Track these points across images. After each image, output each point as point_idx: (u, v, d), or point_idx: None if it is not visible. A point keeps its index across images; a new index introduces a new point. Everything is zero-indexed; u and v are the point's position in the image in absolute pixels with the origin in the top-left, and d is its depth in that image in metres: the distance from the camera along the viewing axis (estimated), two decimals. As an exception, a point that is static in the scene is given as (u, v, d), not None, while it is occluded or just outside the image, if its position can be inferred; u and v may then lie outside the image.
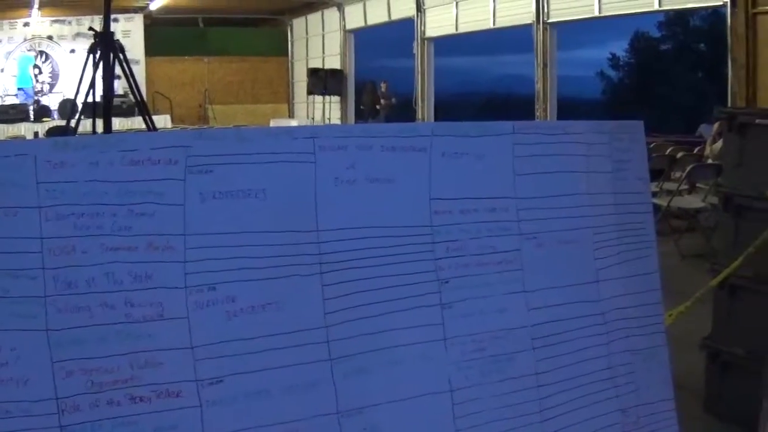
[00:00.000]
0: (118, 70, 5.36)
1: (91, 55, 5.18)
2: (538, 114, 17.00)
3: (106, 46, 4.99)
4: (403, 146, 2.29)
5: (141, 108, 5.35)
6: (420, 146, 2.31)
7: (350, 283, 2.22)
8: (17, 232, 2.04)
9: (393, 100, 21.85)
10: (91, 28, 5.37)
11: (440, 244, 2.33)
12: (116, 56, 5.05)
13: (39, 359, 2.04)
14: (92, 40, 5.39)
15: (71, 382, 2.05)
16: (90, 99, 5.49)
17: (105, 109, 5.07)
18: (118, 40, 5.12)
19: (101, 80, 5.15)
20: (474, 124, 2.42)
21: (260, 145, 2.16)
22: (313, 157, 2.20)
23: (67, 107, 22.20)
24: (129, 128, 18.57)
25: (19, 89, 24.29)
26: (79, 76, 5.48)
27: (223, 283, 2.12)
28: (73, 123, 5.45)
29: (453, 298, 2.34)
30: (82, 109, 5.79)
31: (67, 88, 24.28)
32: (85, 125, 6.08)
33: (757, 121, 4.75)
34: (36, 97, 24.26)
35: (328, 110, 23.84)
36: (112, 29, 5.15)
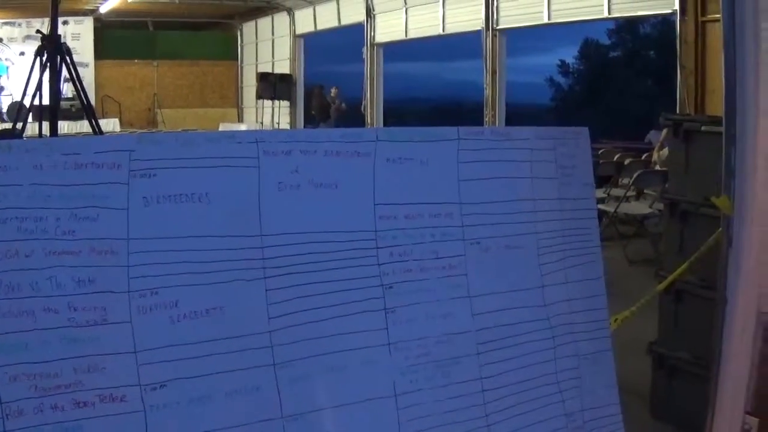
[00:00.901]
0: (66, 73, 5.36)
1: (39, 58, 5.16)
2: (487, 120, 17.07)
3: (53, 49, 4.96)
4: (347, 151, 2.30)
5: (86, 111, 5.32)
6: (364, 151, 2.32)
7: (294, 288, 2.22)
8: None
9: (343, 105, 21.84)
10: (38, 31, 5.35)
11: (384, 249, 2.34)
12: (63, 59, 5.03)
13: None
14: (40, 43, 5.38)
15: (15, 386, 2.03)
16: (35, 102, 5.48)
17: (51, 112, 5.04)
18: (65, 42, 5.10)
19: (48, 83, 5.14)
20: (418, 130, 2.43)
21: (204, 149, 2.16)
22: (257, 161, 2.20)
23: (15, 110, 22.06)
24: (77, 132, 18.44)
25: None
26: (26, 79, 5.46)
27: (166, 287, 2.11)
28: (19, 126, 5.41)
29: (397, 303, 2.35)
30: (28, 111, 5.76)
31: (16, 91, 24.09)
32: (32, 128, 6.04)
33: (703, 128, 4.81)
34: None
35: (278, 115, 23.80)
36: (61, 32, 5.12)
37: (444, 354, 2.41)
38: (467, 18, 17.89)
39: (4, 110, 23.31)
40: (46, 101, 5.41)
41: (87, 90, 5.35)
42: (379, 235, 2.33)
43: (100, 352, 2.07)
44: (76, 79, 5.16)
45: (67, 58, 5.13)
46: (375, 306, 2.32)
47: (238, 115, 27.65)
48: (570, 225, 2.75)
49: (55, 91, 5.03)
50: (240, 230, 2.18)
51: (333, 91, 22.03)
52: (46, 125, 5.49)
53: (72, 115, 19.86)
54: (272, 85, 23.48)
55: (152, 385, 2.10)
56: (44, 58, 5.08)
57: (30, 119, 6.25)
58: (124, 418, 2.09)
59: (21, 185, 2.05)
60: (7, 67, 24.34)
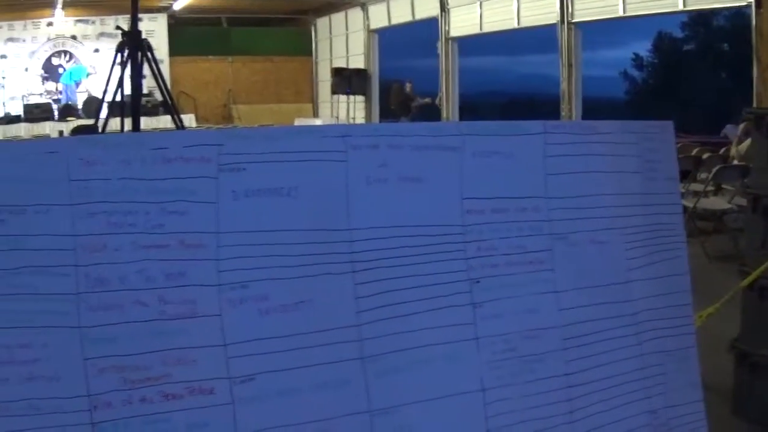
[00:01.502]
0: (144, 69, 5.40)
1: (119, 54, 5.18)
2: (563, 114, 16.88)
3: (133, 45, 4.98)
4: (434, 145, 2.27)
5: (169, 107, 5.33)
6: (451, 145, 2.29)
7: (382, 282, 2.19)
8: (49, 230, 2.02)
9: (428, 99, 21.66)
10: (118, 27, 5.38)
11: (471, 244, 2.31)
12: (144, 55, 5.05)
13: (71, 356, 2.02)
14: (118, 39, 5.40)
15: (103, 379, 2.03)
16: (117, 98, 5.51)
17: (133, 107, 5.06)
18: (146, 39, 5.11)
19: (128, 79, 5.16)
20: (504, 124, 2.40)
21: (292, 143, 2.14)
22: (345, 155, 2.18)
23: (93, 106, 22.25)
24: (154, 127, 18.53)
25: (65, 85, 24.35)
26: (107, 75, 5.49)
27: (255, 281, 2.10)
28: (101, 122, 5.44)
29: (484, 298, 2.31)
30: (109, 107, 5.79)
31: (91, 87, 24.35)
32: (111, 124, 6.07)
33: (786, 121, 4.71)
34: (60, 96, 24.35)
35: (353, 110, 23.74)
36: (128, 29, 5.13)
37: (530, 350, 2.38)
38: (542, 11, 17.69)
39: (80, 106, 23.58)
40: (113, 96, 5.46)
41: (162, 87, 5.37)
42: (466, 230, 2.30)
43: (189, 345, 2.07)
44: (158, 75, 5.18)
45: (148, 53, 5.15)
46: (462, 301, 2.29)
47: (313, 110, 27.57)
48: (655, 220, 2.69)
49: (136, 86, 5.05)
50: (328, 224, 2.16)
51: (408, 85, 21.92)
52: (124, 121, 5.55)
53: (148, 111, 20.01)
54: (347, 80, 23.45)
55: (241, 378, 2.09)
56: (125, 54, 5.10)
57: (104, 114, 6.28)
58: (213, 410, 2.08)
59: (109, 180, 2.05)
60: (89, 73, 24.63)
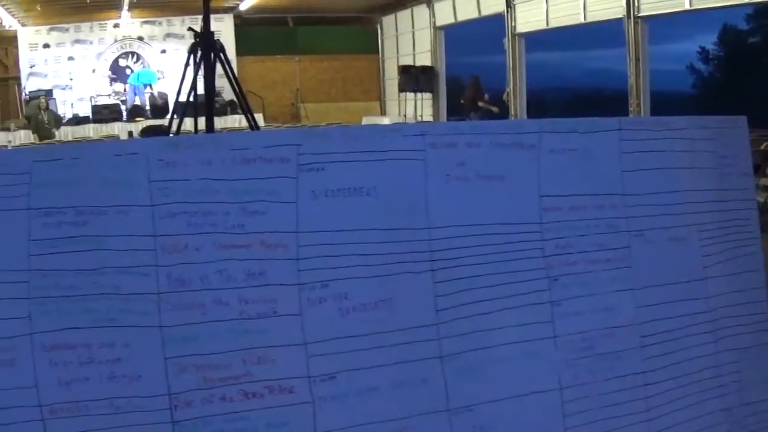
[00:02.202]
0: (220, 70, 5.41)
1: (192, 55, 5.18)
2: (631, 109, 16.57)
3: (206, 46, 4.97)
4: (511, 143, 2.24)
5: (243, 107, 5.31)
6: (529, 143, 2.26)
7: (461, 281, 2.16)
8: (130, 230, 2.02)
9: (495, 109, 21.43)
10: (190, 29, 5.37)
11: (550, 242, 2.27)
12: (216, 55, 5.04)
13: (152, 355, 2.02)
14: (185, 40, 5.39)
15: (184, 378, 2.02)
16: (183, 98, 5.51)
17: (207, 108, 5.05)
18: (218, 39, 5.10)
19: (200, 79, 5.16)
20: (580, 121, 2.36)
21: (370, 142, 2.12)
22: (423, 154, 2.15)
23: (160, 107, 22.32)
24: (222, 127, 18.51)
25: (133, 86, 24.48)
26: (181, 76, 5.48)
27: (335, 280, 2.08)
28: (175, 123, 5.44)
29: (562, 296, 2.28)
30: (183, 108, 5.79)
31: (160, 88, 24.46)
32: (184, 125, 6.06)
33: None
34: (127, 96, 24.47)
35: (420, 107, 23.55)
36: (200, 30, 5.12)
37: (607, 347, 2.34)
38: (608, 5, 17.39)
39: (148, 107, 23.71)
40: (187, 97, 5.46)
41: (230, 87, 5.36)
42: (544, 227, 2.26)
43: (269, 344, 2.05)
44: (231, 75, 5.17)
45: (221, 54, 5.14)
46: (540, 299, 2.25)
47: (381, 108, 27.30)
48: (730, 216, 2.64)
49: (210, 87, 5.05)
50: (407, 223, 2.13)
51: (478, 81, 21.68)
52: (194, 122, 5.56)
53: (216, 111, 20.06)
54: (414, 78, 23.22)
55: (321, 377, 2.08)
56: (198, 55, 5.09)
57: (175, 115, 6.28)
58: (293, 409, 2.07)
59: (189, 180, 2.04)
60: (159, 78, 24.74)
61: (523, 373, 2.23)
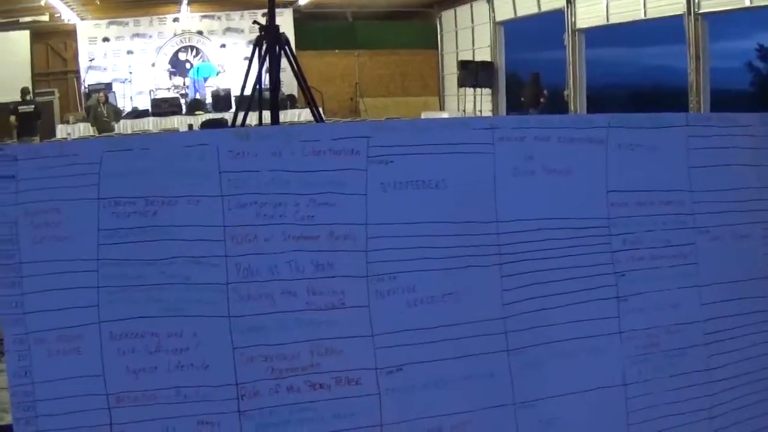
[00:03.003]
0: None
1: (257, 49, 5.16)
2: (691, 106, 16.27)
3: (271, 40, 4.96)
4: (579, 138, 2.20)
5: (309, 100, 5.28)
6: (597, 138, 2.22)
7: (528, 275, 2.12)
8: (200, 221, 2.00)
9: (545, 92, 21.22)
10: (255, 22, 5.35)
11: (617, 237, 2.22)
12: (282, 49, 5.02)
13: (220, 345, 2.00)
14: (245, 35, 5.38)
15: (252, 367, 2.01)
16: (247, 92, 5.51)
17: (272, 102, 5.05)
18: (283, 33, 5.07)
19: (261, 73, 5.16)
20: (648, 116, 2.33)
21: (439, 135, 2.09)
22: (492, 147, 2.11)
23: (220, 101, 22.36)
24: (283, 121, 18.42)
25: (193, 80, 24.57)
26: (246, 70, 5.48)
27: (403, 272, 2.06)
28: (239, 116, 5.44)
29: (629, 292, 2.23)
30: (248, 102, 5.79)
31: (219, 82, 24.51)
32: (242, 118, 6.04)
33: None
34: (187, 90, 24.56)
35: (479, 103, 23.37)
36: (265, 24, 5.10)
37: (672, 344, 2.30)
38: (669, 2, 17.22)
39: (208, 100, 23.78)
40: (252, 91, 5.47)
41: (289, 81, 5.36)
42: (611, 222, 2.23)
43: (337, 335, 2.03)
44: (296, 69, 5.16)
45: (287, 48, 5.12)
46: (607, 294, 2.21)
47: (440, 103, 26.99)
48: (792, 214, 2.62)
49: (275, 81, 5.05)
50: (476, 216, 2.10)
51: (539, 77, 21.50)
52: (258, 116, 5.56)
53: (265, 106, 20.00)
54: (473, 73, 23.00)
55: (388, 369, 2.05)
56: (263, 49, 5.08)
57: (235, 108, 6.27)
58: (359, 401, 2.05)
59: (259, 171, 2.03)
60: (219, 72, 24.81)
61: (588, 368, 2.20)
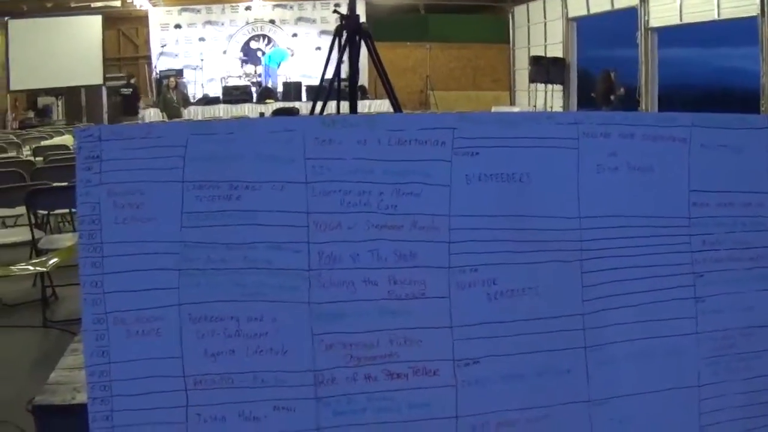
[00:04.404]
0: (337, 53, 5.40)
1: (337, 38, 5.15)
2: (763, 109, 16.17)
3: (352, 30, 4.94)
4: (663, 135, 2.16)
5: (388, 91, 5.26)
6: (680, 136, 2.17)
7: (609, 272, 2.07)
8: (284, 206, 1.97)
9: (621, 90, 21.15)
10: (336, 11, 5.35)
11: (697, 237, 2.16)
12: (362, 39, 5.00)
13: (299, 331, 1.97)
14: (317, 24, 5.36)
15: (330, 354, 1.98)
16: (324, 82, 5.52)
17: (351, 91, 5.04)
18: (364, 22, 5.05)
19: (340, 63, 5.16)
20: (730, 116, 2.29)
21: (525, 129, 2.04)
22: (577, 143, 2.07)
23: (291, 90, 22.47)
24: (360, 111, 18.36)
25: (266, 67, 24.70)
26: (326, 59, 5.50)
27: (485, 264, 2.01)
28: (318, 106, 5.45)
29: (706, 293, 2.17)
30: (327, 91, 5.79)
31: (290, 71, 24.60)
32: (321, 108, 6.05)
33: None
34: (260, 79, 24.71)
35: (550, 99, 23.26)
36: (346, 13, 5.08)
37: (747, 347, 2.26)
38: (743, 3, 17.02)
39: (279, 89, 23.86)
40: (331, 81, 5.49)
41: (361, 71, 5.33)
42: (692, 222, 2.18)
43: (416, 325, 1.99)
44: (376, 59, 5.14)
45: (367, 38, 5.09)
46: (685, 294, 2.15)
47: (510, 98, 26.92)
48: None
49: (355, 71, 5.04)
50: (558, 211, 2.05)
51: (611, 75, 21.41)
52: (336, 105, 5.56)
53: (345, 96, 20.19)
54: (545, 69, 22.88)
55: (465, 361, 2.01)
56: (343, 39, 5.06)
57: (317, 97, 6.28)
58: (436, 392, 2.00)
59: (344, 159, 2.00)
60: (287, 55, 24.90)
61: (664, 368, 2.17)
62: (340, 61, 5.15)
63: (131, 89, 20.81)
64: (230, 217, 1.97)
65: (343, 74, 5.62)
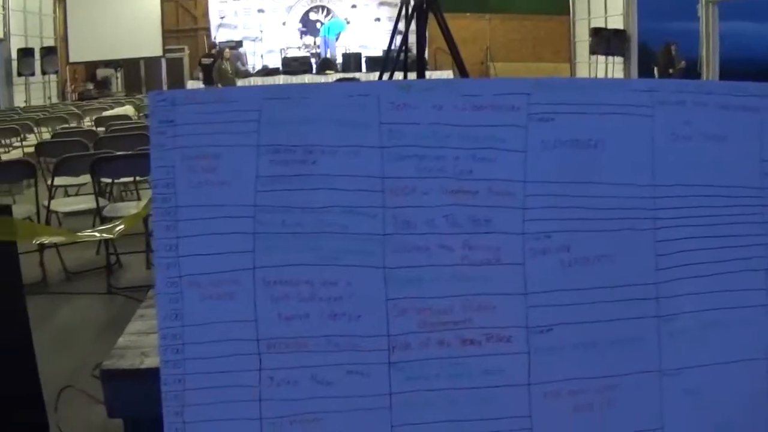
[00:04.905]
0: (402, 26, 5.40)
1: (404, 7, 5.14)
2: None
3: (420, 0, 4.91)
4: (735, 105, 2.12)
5: (457, 61, 5.23)
6: (752, 106, 2.13)
7: (681, 241, 2.04)
8: (359, 171, 1.96)
9: (683, 63, 20.98)
10: None
11: (769, 207, 2.21)
12: (429, 8, 4.98)
13: (373, 296, 1.96)
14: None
15: (404, 320, 1.97)
16: (388, 52, 5.53)
17: (419, 61, 5.03)
18: None
19: (407, 33, 5.15)
20: (803, 88, 2.30)
21: (599, 95, 2.01)
22: (651, 110, 2.04)
23: (351, 61, 22.50)
24: None
25: (325, 38, 24.76)
26: (392, 29, 5.52)
27: (559, 231, 2.00)
28: (385, 77, 5.45)
29: (778, 263, 2.20)
30: (394, 61, 5.81)
31: (349, 42, 24.59)
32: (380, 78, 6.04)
33: None
34: (319, 50, 24.77)
35: (611, 71, 23.02)
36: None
37: None
38: None
39: (339, 60, 23.89)
40: (398, 51, 5.51)
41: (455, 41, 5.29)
42: (764, 193, 2.19)
43: (490, 291, 1.98)
44: (445, 29, 5.12)
45: (434, 7, 5.06)
46: (757, 265, 2.10)
47: (571, 70, 26.55)
48: None
49: (422, 41, 5.03)
50: (632, 179, 2.02)
51: (673, 48, 21.20)
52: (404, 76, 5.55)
53: (408, 67, 20.26)
54: (606, 41, 22.58)
55: (539, 328, 2.00)
56: (410, 8, 5.05)
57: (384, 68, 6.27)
58: (508, 358, 1.99)
59: (419, 124, 1.98)
60: (344, 25, 24.90)
61: (734, 339, 2.14)
62: (407, 31, 5.14)
63: (212, 59, 21.07)
64: (305, 181, 1.96)
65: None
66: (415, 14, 4.91)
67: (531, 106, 1.99)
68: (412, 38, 5.52)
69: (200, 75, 20.96)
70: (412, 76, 5.98)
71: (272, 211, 1.96)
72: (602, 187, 2.01)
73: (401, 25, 5.36)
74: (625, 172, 2.03)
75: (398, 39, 5.64)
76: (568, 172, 2.00)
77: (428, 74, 18.97)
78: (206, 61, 21.51)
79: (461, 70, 4.98)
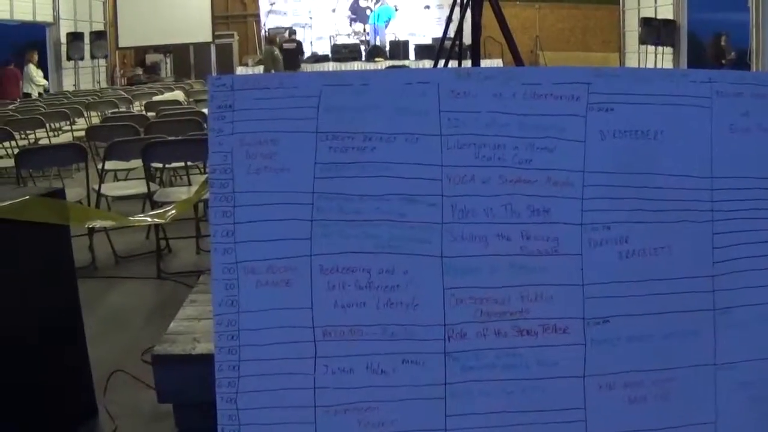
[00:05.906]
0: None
1: None
2: None
3: None
4: None
5: (513, 49, 5.17)
6: None
7: (738, 234, 2.00)
8: (418, 159, 1.93)
9: (733, 54, 20.79)
10: None
11: (825, 202, 2.18)
12: None
13: (430, 284, 1.94)
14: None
15: (460, 309, 1.94)
16: (443, 40, 5.48)
17: (474, 48, 4.98)
18: None
19: (462, 21, 5.13)
20: None
21: (659, 86, 1.98)
22: (710, 101, 2.01)
23: (399, 48, 22.45)
24: None
25: (374, 25, 24.74)
26: (447, 16, 5.51)
27: (617, 222, 1.97)
28: (440, 64, 5.44)
29: (832, 258, 2.17)
30: (449, 50, 5.79)
31: (398, 30, 24.52)
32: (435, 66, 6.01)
33: None
34: (368, 38, 24.75)
35: (660, 61, 22.79)
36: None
37: None
38: None
39: (387, 47, 23.87)
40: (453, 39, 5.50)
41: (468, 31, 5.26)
42: (820, 187, 2.18)
43: (548, 282, 1.95)
44: (501, 18, 5.07)
45: None
46: None
47: (620, 60, 26.16)
48: None
49: (477, 28, 4.98)
50: (691, 171, 1.98)
51: (723, 39, 21.04)
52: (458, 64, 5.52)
53: (453, 55, 20.35)
54: (656, 31, 22.38)
55: (596, 319, 1.96)
56: None
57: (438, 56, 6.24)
58: (564, 349, 1.96)
59: (479, 112, 1.96)
60: (393, 12, 24.88)
61: None
62: (462, 19, 5.10)
63: (294, 44, 21.09)
64: (364, 168, 1.94)
65: (450, 33, 5.59)
66: (470, 2, 4.85)
67: (591, 95, 1.96)
68: (464, 27, 5.51)
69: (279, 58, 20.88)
70: (466, 64, 5.93)
71: (330, 199, 1.94)
72: (660, 178, 1.98)
73: (454, 13, 5.33)
74: (683, 163, 2.00)
75: (451, 27, 5.60)
76: (626, 162, 1.97)
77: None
78: (288, 45, 21.54)
79: (517, 59, 4.93)
